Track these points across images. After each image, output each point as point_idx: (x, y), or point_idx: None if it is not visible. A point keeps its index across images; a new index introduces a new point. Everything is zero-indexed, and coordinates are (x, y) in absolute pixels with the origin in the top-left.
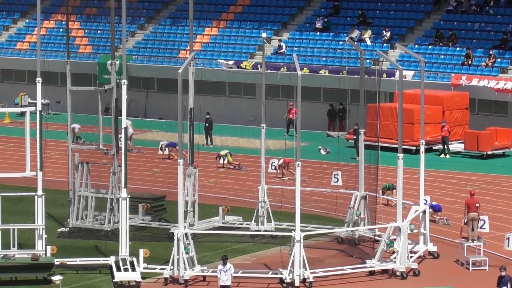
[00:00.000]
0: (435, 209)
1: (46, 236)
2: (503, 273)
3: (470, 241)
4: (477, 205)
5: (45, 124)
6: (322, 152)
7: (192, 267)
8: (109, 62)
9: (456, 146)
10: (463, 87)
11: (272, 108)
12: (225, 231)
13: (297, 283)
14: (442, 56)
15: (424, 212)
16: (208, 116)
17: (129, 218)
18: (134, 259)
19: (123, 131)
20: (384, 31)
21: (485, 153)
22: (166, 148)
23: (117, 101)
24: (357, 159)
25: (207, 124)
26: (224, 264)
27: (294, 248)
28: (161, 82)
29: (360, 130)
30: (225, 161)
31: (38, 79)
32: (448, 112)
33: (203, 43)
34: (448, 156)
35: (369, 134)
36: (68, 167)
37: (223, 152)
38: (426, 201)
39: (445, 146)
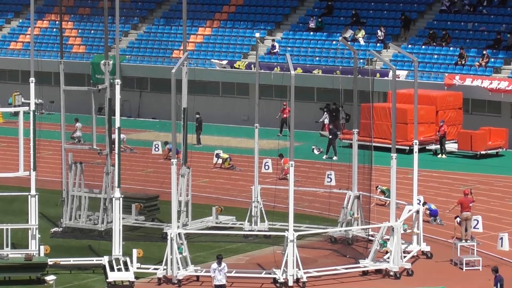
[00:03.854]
0: (432, 213)
1: (39, 236)
2: (495, 274)
3: (463, 241)
4: (471, 204)
5: (38, 124)
6: (316, 152)
7: (186, 267)
8: (102, 62)
9: (450, 146)
10: (456, 87)
11: (265, 108)
12: (218, 231)
13: (290, 283)
14: (436, 56)
15: (418, 212)
16: (198, 116)
17: (123, 218)
18: (128, 259)
19: (116, 131)
20: (378, 31)
21: (478, 153)
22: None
23: (111, 101)
24: (333, 158)
25: (197, 124)
26: (219, 263)
27: (288, 248)
28: (155, 82)
29: (353, 130)
30: (220, 162)
31: (32, 79)
32: (442, 112)
33: (196, 43)
34: (444, 156)
35: (362, 134)
36: (62, 167)
37: (224, 155)
38: (420, 201)
39: (442, 146)
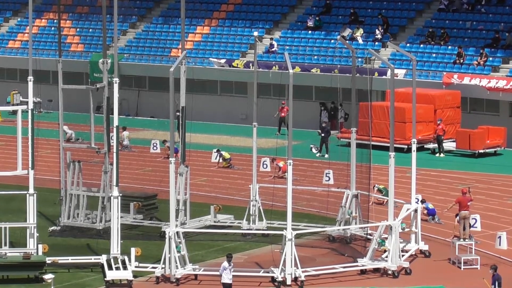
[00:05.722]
0: (430, 212)
1: (37, 234)
2: (494, 273)
3: (461, 239)
4: (469, 203)
5: (36, 123)
6: (314, 150)
7: (184, 266)
8: (100, 60)
9: (448, 145)
10: (455, 86)
11: (264, 107)
12: (216, 229)
13: (288, 282)
14: (434, 55)
15: (416, 210)
16: (178, 114)
17: (121, 217)
18: (126, 258)
19: (114, 129)
20: (377, 30)
21: (477, 151)
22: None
23: (109, 100)
24: (325, 156)
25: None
26: (229, 262)
27: (286, 246)
28: (153, 80)
29: (352, 129)
30: (219, 160)
31: (30, 77)
32: (440, 111)
33: (194, 41)
34: (442, 155)
35: (361, 133)
36: (60, 165)
37: (227, 155)
38: (418, 199)
39: (439, 145)
